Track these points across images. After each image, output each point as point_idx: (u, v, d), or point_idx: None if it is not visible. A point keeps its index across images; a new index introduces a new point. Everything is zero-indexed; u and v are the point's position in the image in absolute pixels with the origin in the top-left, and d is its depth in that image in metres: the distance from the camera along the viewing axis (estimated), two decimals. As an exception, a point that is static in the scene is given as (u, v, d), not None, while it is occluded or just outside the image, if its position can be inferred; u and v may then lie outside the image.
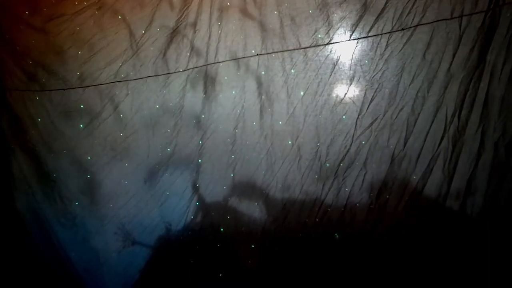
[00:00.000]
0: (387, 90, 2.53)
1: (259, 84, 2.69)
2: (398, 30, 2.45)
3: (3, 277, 2.71)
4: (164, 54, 2.68)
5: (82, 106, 2.70)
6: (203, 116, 2.75)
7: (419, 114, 2.51)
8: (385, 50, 2.50)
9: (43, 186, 2.75)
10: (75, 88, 2.68)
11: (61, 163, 2.74)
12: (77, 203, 2.76)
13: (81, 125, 2.71)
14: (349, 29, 2.53)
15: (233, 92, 2.72)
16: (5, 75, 2.69)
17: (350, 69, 2.57)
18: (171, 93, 2.73)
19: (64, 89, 2.68)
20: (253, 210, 2.79)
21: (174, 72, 2.70)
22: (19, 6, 2.64)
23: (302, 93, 2.65)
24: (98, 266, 2.79)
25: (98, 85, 2.68)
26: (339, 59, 2.57)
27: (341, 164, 2.65)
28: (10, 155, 2.72)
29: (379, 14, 2.46)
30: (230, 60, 2.67)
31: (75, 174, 2.75)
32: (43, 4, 2.64)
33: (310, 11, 2.57)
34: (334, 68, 2.59)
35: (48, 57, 2.67)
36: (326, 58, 2.59)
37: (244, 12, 2.64)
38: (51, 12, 2.64)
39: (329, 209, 2.69)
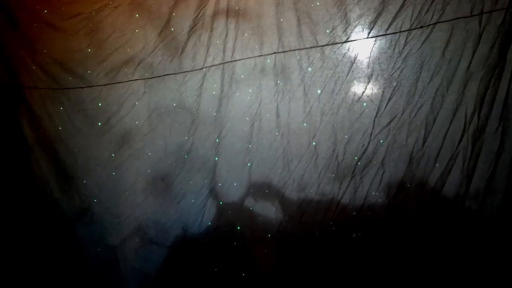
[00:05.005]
0: (405, 88, 2.51)
1: (276, 82, 2.68)
2: (416, 28, 2.43)
3: (21, 269, 2.74)
4: (181, 53, 2.69)
5: (100, 104, 2.72)
6: (219, 114, 2.74)
7: (438, 113, 2.48)
8: (403, 48, 2.47)
9: (61, 183, 2.77)
10: (93, 86, 2.70)
11: (79, 160, 2.76)
12: (95, 200, 2.77)
13: (99, 123, 2.73)
14: (367, 26, 2.51)
15: (250, 90, 2.71)
16: (24, 73, 2.71)
17: (368, 67, 2.55)
18: (188, 91, 2.73)
19: (82, 87, 2.70)
20: (269, 209, 2.78)
21: (191, 71, 2.70)
22: (38, 4, 2.66)
23: (319, 91, 2.64)
24: (115, 263, 2.80)
25: (116, 83, 2.70)
26: (356, 57, 2.56)
27: (359, 163, 2.63)
28: (29, 152, 2.74)
29: (398, 12, 2.44)
30: (246, 58, 2.67)
31: (93, 171, 2.76)
32: (61, 2, 2.66)
33: (328, 9, 2.55)
34: (351, 66, 2.57)
35: (66, 56, 2.69)
36: (343, 56, 2.57)
37: (261, 10, 2.63)
38: (69, 11, 2.66)
39: (346, 209, 2.67)
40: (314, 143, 2.68)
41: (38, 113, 2.75)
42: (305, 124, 2.69)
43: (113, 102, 2.72)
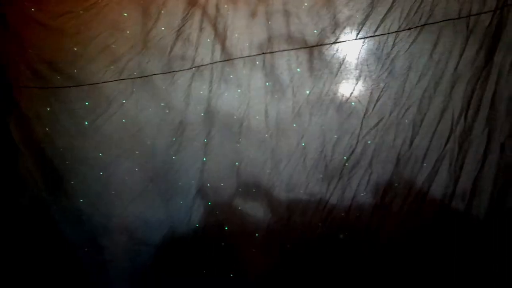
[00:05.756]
0: (393, 89, 2.53)
1: (265, 82, 2.68)
2: (405, 30, 2.45)
3: (8, 272, 2.72)
4: (170, 52, 2.67)
5: (87, 103, 2.70)
6: (208, 114, 2.73)
7: (425, 114, 2.50)
8: (391, 49, 2.49)
9: (49, 183, 2.74)
10: (81, 85, 2.68)
11: (66, 160, 2.73)
12: (81, 200, 2.76)
13: (86, 122, 2.71)
14: (355, 28, 2.52)
15: (239, 90, 2.71)
16: (12, 72, 2.68)
17: (356, 68, 2.56)
18: (177, 91, 2.71)
19: (70, 87, 2.68)
20: (258, 209, 2.78)
21: (180, 70, 2.68)
22: (26, 2, 2.63)
23: (307, 92, 2.64)
24: (103, 263, 2.79)
25: (104, 82, 2.67)
26: (345, 58, 2.57)
27: (347, 164, 2.64)
28: (16, 152, 2.71)
29: (386, 13, 2.46)
30: (235, 58, 2.66)
31: (80, 171, 2.74)
32: (50, 0, 2.63)
33: (317, 10, 2.56)
34: (340, 67, 2.58)
35: (55, 54, 2.65)
36: (332, 57, 2.58)
37: (250, 11, 2.63)
38: (57, 9, 2.62)
39: (334, 209, 2.68)
40: (302, 144, 2.69)
41: (25, 112, 2.71)
42: (294, 125, 2.69)
43: (101, 102, 2.68)
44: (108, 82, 2.67)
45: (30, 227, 2.77)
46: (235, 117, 2.72)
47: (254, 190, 2.78)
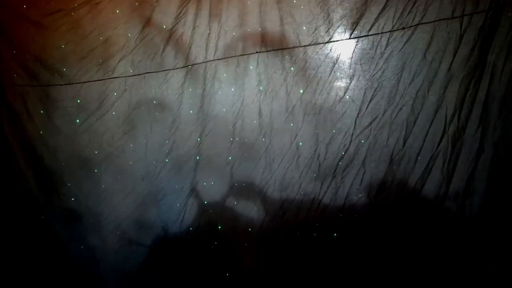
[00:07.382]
0: (387, 89, 2.51)
1: (258, 81, 2.67)
2: (398, 29, 2.44)
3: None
4: (163, 51, 2.66)
5: (79, 101, 2.68)
6: (201, 113, 2.73)
7: (418, 113, 2.49)
8: (385, 49, 2.48)
9: (41, 182, 2.73)
10: (73, 83, 2.66)
11: (58, 158, 2.72)
12: (73, 199, 2.74)
13: (78, 121, 2.69)
14: (349, 27, 2.51)
15: (232, 89, 2.70)
16: (3, 70, 2.67)
17: (350, 68, 2.55)
18: (170, 89, 2.71)
19: (61, 85, 2.66)
20: (251, 208, 2.77)
21: (173, 69, 2.68)
22: None
23: (301, 91, 2.63)
24: (95, 263, 2.78)
25: (96, 80, 2.66)
26: (339, 57, 2.56)
27: (340, 163, 2.64)
28: (9, 150, 2.70)
29: (380, 13, 2.44)
30: (229, 57, 2.66)
31: (72, 170, 2.73)
32: (42, -2, 2.62)
33: (311, 9, 2.55)
34: (334, 66, 2.57)
35: (46, 52, 2.65)
36: (326, 57, 2.57)
37: (244, 9, 2.62)
38: (49, 7, 2.62)
39: (327, 208, 2.67)
40: (296, 143, 2.68)
41: (17, 110, 2.70)
42: (288, 124, 2.68)
43: (93, 100, 2.68)
44: (100, 80, 2.67)
45: (22, 225, 2.76)
46: (229, 116, 2.71)
47: (247, 189, 2.77)
